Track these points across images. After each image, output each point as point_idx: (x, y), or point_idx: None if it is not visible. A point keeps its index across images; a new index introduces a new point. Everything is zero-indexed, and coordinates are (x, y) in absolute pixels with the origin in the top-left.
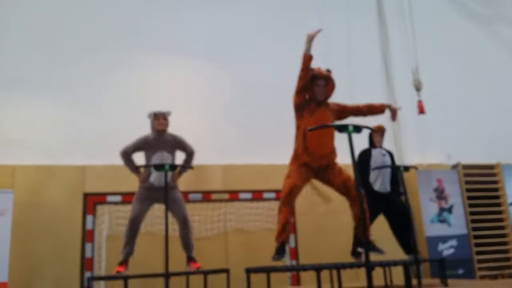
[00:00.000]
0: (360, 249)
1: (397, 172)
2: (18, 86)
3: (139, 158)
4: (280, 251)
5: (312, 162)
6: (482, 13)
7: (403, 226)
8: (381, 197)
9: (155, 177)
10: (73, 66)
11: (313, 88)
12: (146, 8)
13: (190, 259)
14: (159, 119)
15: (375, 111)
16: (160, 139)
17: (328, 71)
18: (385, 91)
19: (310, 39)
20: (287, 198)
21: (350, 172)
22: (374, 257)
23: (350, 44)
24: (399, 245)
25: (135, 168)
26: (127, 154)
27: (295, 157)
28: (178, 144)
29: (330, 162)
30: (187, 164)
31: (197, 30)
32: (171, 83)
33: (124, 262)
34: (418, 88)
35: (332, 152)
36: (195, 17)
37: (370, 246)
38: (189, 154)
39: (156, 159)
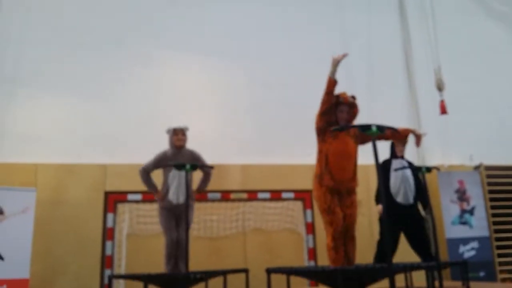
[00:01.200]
0: None
1: (418, 173)
2: (39, 83)
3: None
4: None
5: (335, 186)
6: (505, 12)
7: (421, 239)
8: (403, 209)
9: (172, 194)
10: (94, 63)
11: (336, 113)
12: (165, 4)
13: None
14: (178, 134)
15: (399, 136)
16: (179, 155)
17: (353, 97)
18: (406, 91)
19: (336, 63)
20: (339, 236)
21: (373, 177)
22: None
23: (371, 42)
24: (419, 255)
25: (153, 187)
26: (146, 172)
27: (319, 182)
28: (196, 160)
29: (353, 188)
30: (205, 182)
31: (217, 28)
32: (190, 81)
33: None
34: (440, 88)
35: (354, 178)
36: (214, 14)
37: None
38: (207, 173)
39: (175, 175)
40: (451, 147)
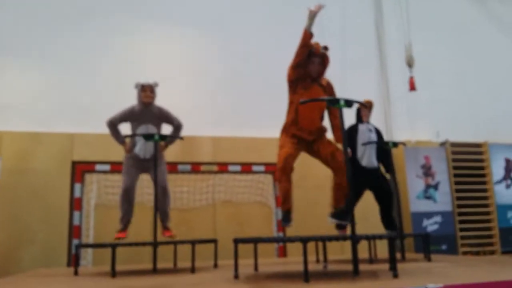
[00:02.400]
0: (331, 219)
1: (385, 148)
2: (7, 52)
3: (124, 129)
4: (286, 218)
5: (302, 135)
6: None
7: (387, 203)
8: (367, 172)
9: (140, 148)
10: (63, 32)
11: (308, 65)
12: None
13: (165, 228)
14: (146, 91)
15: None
16: (146, 111)
17: (325, 48)
18: (377, 66)
19: (313, 15)
20: (284, 167)
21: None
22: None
23: (344, 17)
24: (381, 220)
25: (121, 139)
26: (113, 124)
27: (285, 129)
28: (164, 117)
29: (320, 136)
30: (175, 136)
31: None
32: (161, 52)
33: (124, 229)
34: (410, 64)
35: (321, 128)
36: None
37: (341, 215)
38: (176, 126)
39: (142, 131)
40: (419, 123)
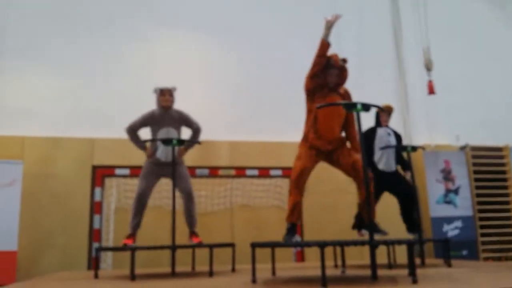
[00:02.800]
0: (364, 231)
1: (403, 152)
2: (29, 57)
3: (144, 134)
4: (290, 232)
5: (322, 146)
6: None
7: (407, 205)
8: (385, 176)
9: (161, 152)
10: (83, 37)
11: (326, 76)
12: None
13: (192, 234)
14: (165, 95)
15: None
16: (166, 115)
17: (344, 60)
18: (395, 70)
19: (330, 25)
20: (297, 180)
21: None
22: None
23: (361, 21)
24: (404, 222)
25: (141, 144)
26: (133, 130)
27: (305, 140)
28: (184, 120)
29: (339, 146)
30: (194, 140)
31: (208, 4)
32: (179, 57)
33: (132, 235)
34: (428, 68)
35: (341, 138)
36: None
37: (374, 228)
38: (195, 130)
39: (162, 135)
40: (438, 127)
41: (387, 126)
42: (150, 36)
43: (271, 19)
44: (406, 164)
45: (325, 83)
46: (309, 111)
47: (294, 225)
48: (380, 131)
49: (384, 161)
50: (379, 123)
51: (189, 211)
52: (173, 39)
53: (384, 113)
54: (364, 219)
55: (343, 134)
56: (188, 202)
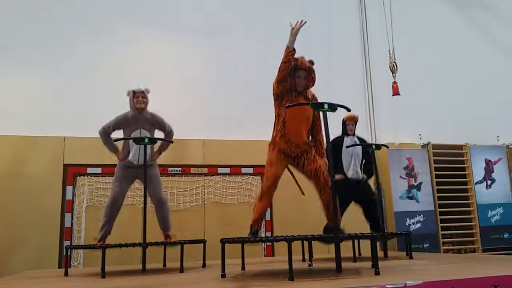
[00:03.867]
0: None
1: (367, 150)
2: (1, 56)
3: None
4: (254, 235)
5: (289, 149)
6: None
7: (371, 210)
8: (353, 184)
9: (133, 155)
10: (57, 37)
11: (294, 78)
12: None
13: (167, 237)
14: (138, 97)
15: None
16: (139, 117)
17: (311, 62)
18: (362, 72)
19: (295, 32)
20: (269, 188)
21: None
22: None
23: (330, 25)
24: (367, 221)
25: (114, 147)
26: (106, 133)
27: (273, 143)
28: (157, 122)
29: (307, 150)
30: (166, 139)
31: (182, 4)
32: (153, 57)
33: (101, 240)
34: (393, 71)
35: (308, 143)
36: None
37: (339, 233)
38: (168, 133)
39: (135, 137)
40: (402, 126)
41: (353, 134)
42: (124, 36)
43: (243, 20)
44: (369, 166)
45: (293, 87)
46: (277, 116)
47: (257, 231)
48: (347, 140)
49: (352, 169)
50: (345, 131)
51: (162, 217)
52: (147, 39)
53: (350, 121)
54: (328, 223)
55: (310, 139)
56: (159, 208)
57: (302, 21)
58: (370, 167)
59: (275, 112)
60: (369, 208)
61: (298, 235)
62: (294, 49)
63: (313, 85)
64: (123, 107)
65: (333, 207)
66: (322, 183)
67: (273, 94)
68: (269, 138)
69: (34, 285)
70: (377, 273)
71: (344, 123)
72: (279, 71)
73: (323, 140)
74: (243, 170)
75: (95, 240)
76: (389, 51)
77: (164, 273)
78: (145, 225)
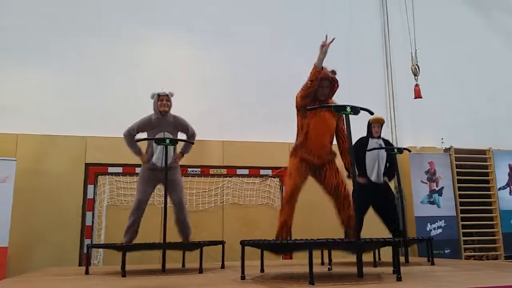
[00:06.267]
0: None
1: (390, 154)
2: (22, 55)
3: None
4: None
5: (311, 160)
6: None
7: (391, 213)
8: (376, 187)
9: (157, 158)
10: (78, 36)
11: (317, 88)
12: None
13: (186, 241)
14: (163, 100)
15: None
16: (163, 120)
17: (333, 72)
18: (383, 75)
19: (325, 50)
20: (289, 199)
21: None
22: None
23: (351, 26)
24: (389, 229)
25: (137, 149)
26: (131, 135)
27: (295, 152)
28: (180, 125)
29: (329, 162)
30: (188, 145)
31: (200, 5)
32: (173, 57)
33: (128, 242)
34: (415, 73)
35: (331, 153)
36: None
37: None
38: (191, 136)
39: None
40: (424, 130)
41: (378, 137)
42: (143, 36)
43: (262, 20)
44: (392, 170)
45: (315, 97)
46: (300, 126)
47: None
48: (372, 142)
49: (376, 173)
50: (370, 134)
51: (182, 221)
52: (165, 39)
53: (375, 124)
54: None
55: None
56: (179, 212)
57: (332, 38)
58: (391, 170)
59: (297, 122)
60: (388, 210)
61: (318, 240)
62: (322, 69)
63: (334, 93)
64: (142, 106)
65: (355, 217)
66: (341, 199)
67: (296, 106)
68: (287, 140)
69: (57, 282)
70: (399, 279)
71: (369, 126)
72: (304, 87)
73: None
74: (262, 171)
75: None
76: (411, 53)
77: (184, 274)
78: (165, 226)
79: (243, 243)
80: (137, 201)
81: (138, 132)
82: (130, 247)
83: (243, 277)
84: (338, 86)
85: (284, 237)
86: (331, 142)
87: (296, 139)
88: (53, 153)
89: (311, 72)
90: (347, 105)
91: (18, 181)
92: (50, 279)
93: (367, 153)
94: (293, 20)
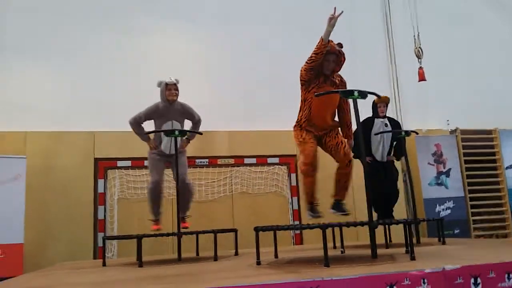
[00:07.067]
0: (331, 210)
1: (398, 137)
2: (29, 52)
3: (148, 127)
4: (314, 211)
5: (315, 131)
6: None
7: (389, 200)
8: (380, 165)
9: (165, 145)
10: (83, 31)
11: (322, 62)
12: None
13: (182, 220)
14: (171, 89)
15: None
16: (170, 108)
17: (340, 45)
18: (387, 57)
19: (333, 23)
20: (312, 162)
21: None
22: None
23: (353, 10)
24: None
25: (146, 136)
26: (137, 123)
27: (299, 125)
28: (187, 112)
29: (331, 130)
30: (194, 132)
31: None
32: (178, 49)
33: (156, 221)
34: (418, 56)
35: (333, 125)
36: None
37: (340, 207)
38: (197, 122)
39: (167, 128)
40: (429, 112)
41: (384, 116)
42: (149, 29)
43: (266, 10)
44: (400, 152)
45: (321, 71)
46: (304, 100)
47: (314, 204)
48: (377, 121)
49: (380, 152)
50: (376, 113)
51: (183, 198)
52: (171, 32)
53: (381, 103)
54: (336, 195)
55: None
56: (182, 189)
57: (340, 11)
58: (399, 152)
59: (301, 96)
60: (389, 187)
61: (331, 222)
62: (328, 41)
63: (340, 69)
64: (148, 99)
65: (367, 198)
66: (341, 156)
67: (300, 80)
68: (292, 127)
69: (79, 275)
70: (413, 258)
71: (375, 106)
72: (310, 60)
73: (350, 123)
74: (269, 160)
75: (152, 225)
76: (414, 36)
77: (199, 262)
78: (179, 214)
79: (257, 229)
80: (151, 186)
81: (144, 120)
82: (145, 236)
83: (258, 263)
84: (345, 59)
85: (314, 200)
86: (333, 116)
87: (299, 113)
88: (62, 149)
89: (316, 45)
90: (355, 90)
91: (29, 178)
92: (69, 273)
93: (373, 132)
94: (296, 8)
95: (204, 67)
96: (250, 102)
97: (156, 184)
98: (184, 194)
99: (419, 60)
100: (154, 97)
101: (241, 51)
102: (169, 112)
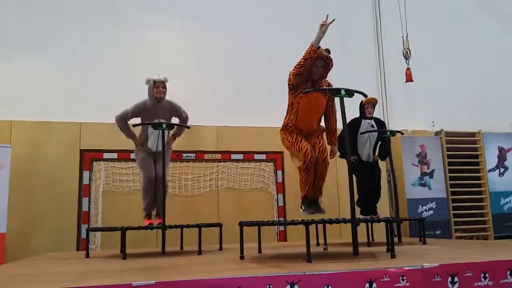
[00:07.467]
0: (303, 207)
1: (383, 137)
2: (16, 43)
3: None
4: (317, 207)
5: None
6: None
7: (373, 197)
8: (365, 165)
9: (152, 142)
10: (71, 23)
11: (311, 67)
12: None
13: (157, 215)
14: (159, 87)
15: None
16: (158, 106)
17: (328, 51)
18: (375, 58)
19: (325, 29)
20: (311, 159)
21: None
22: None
23: (343, 11)
24: (357, 204)
25: (131, 133)
26: (124, 120)
27: (286, 128)
28: (174, 110)
29: (316, 134)
30: (181, 129)
31: None
32: (166, 43)
33: (150, 215)
34: (406, 57)
35: (319, 131)
36: None
37: (316, 206)
38: (184, 119)
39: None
40: (415, 113)
41: (371, 118)
42: (138, 23)
43: (257, 5)
44: (384, 152)
45: (309, 76)
46: (290, 105)
47: (316, 200)
48: (364, 122)
49: (366, 152)
50: (363, 114)
51: (158, 197)
52: (160, 26)
53: (369, 104)
54: (310, 195)
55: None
56: (160, 187)
57: (332, 19)
58: (384, 152)
59: (289, 100)
60: (374, 194)
61: (314, 219)
62: (318, 48)
63: (328, 73)
64: (136, 92)
65: (350, 195)
66: (317, 157)
67: (288, 85)
68: (279, 124)
69: (61, 265)
70: (393, 256)
71: (362, 106)
72: (298, 65)
73: (335, 129)
74: (256, 156)
75: (145, 219)
76: (403, 37)
77: (183, 255)
78: (164, 209)
79: (241, 224)
80: (147, 178)
81: (132, 117)
82: (129, 228)
83: (242, 257)
84: (332, 64)
85: (313, 195)
86: (319, 120)
87: (286, 117)
88: (48, 139)
89: (306, 50)
90: (341, 88)
91: (14, 167)
92: (52, 263)
93: (359, 134)
94: (287, 7)
95: (194, 61)
96: (239, 98)
97: (149, 181)
98: (160, 193)
99: (407, 61)
100: (142, 89)
101: (233, 47)
102: (157, 109)
